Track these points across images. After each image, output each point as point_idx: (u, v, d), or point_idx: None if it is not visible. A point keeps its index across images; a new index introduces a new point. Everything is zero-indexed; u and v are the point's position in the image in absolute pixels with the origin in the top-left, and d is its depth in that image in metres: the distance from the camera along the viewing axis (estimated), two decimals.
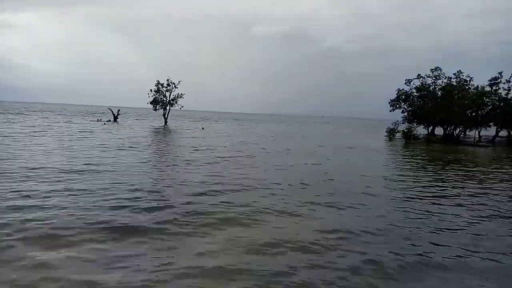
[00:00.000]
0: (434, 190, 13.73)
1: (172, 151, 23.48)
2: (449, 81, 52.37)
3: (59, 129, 34.76)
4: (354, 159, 23.50)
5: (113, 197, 10.15)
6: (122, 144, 24.44)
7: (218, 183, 12.80)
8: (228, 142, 31.17)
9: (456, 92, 49.35)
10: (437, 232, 8.62)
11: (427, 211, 10.40)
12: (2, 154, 16.81)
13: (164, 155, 21.27)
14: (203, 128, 50.13)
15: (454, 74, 52.19)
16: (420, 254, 7.13)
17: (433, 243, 7.79)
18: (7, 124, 37.55)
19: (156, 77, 55.59)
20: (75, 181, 11.89)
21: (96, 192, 10.59)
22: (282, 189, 12.47)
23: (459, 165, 22.36)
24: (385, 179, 15.79)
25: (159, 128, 46.82)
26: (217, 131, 48.14)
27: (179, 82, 56.79)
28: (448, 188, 14.31)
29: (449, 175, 17.98)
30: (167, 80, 56.25)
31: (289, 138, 40.07)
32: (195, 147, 24.58)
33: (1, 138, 23.59)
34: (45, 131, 31.88)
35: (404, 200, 11.76)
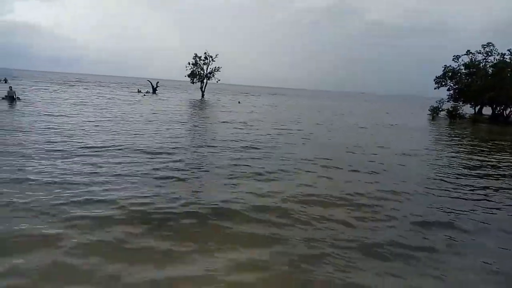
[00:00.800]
0: (487, 173, 13.07)
1: (206, 126, 23.67)
2: (502, 58, 48.60)
3: (100, 100, 36.13)
4: (392, 137, 22.72)
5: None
6: (156, 115, 25.14)
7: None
8: (267, 116, 30.92)
9: (509, 69, 45.92)
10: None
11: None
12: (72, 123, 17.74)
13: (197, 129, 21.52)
14: (239, 102, 50.22)
15: (508, 50, 48.27)
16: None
17: None
18: (52, 93, 39.47)
19: (195, 51, 55.06)
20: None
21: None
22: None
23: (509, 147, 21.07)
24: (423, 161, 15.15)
25: (195, 101, 47.41)
26: (255, 105, 48.03)
27: (216, 55, 56.71)
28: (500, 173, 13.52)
29: (499, 157, 16.98)
30: (205, 53, 56.34)
31: (336, 114, 39.28)
32: (228, 121, 24.67)
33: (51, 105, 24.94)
34: (86, 101, 33.20)
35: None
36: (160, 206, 7.27)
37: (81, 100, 32.99)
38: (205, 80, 57.75)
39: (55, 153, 11.10)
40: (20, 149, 11.25)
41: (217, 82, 58.71)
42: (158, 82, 59.85)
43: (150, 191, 8.14)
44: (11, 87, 29.90)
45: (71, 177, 8.69)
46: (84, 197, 7.39)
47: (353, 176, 11.21)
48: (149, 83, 59.37)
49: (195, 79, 57.28)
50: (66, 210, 6.67)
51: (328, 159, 13.39)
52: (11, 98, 26.80)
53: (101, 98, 38.96)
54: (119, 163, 10.49)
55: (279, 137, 18.45)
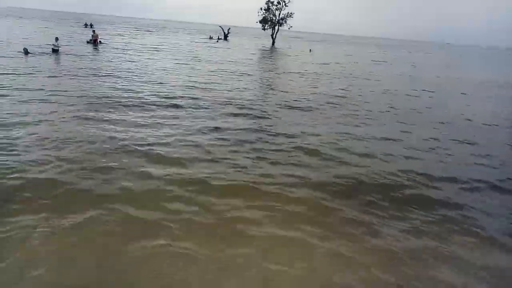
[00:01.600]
0: None
1: (274, 77, 23.25)
2: None
3: (173, 46, 37.08)
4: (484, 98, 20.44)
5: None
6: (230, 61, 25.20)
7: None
8: (346, 67, 29.51)
9: None
10: None
11: None
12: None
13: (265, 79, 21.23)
14: (310, 51, 48.24)
15: None
16: None
17: None
18: (130, 39, 41.34)
19: None
20: None
21: None
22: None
23: None
24: None
25: (265, 49, 46.60)
26: (327, 54, 45.93)
27: (289, 0, 54.46)
28: None
29: None
30: None
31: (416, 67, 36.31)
32: (300, 72, 23.96)
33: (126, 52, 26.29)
34: (159, 47, 34.27)
35: None
36: None
37: (154, 47, 34.17)
38: (276, 27, 56.19)
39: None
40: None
41: (289, 29, 56.94)
42: (229, 28, 59.52)
43: None
44: (94, 30, 31.82)
45: None
46: None
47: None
48: (221, 29, 59.28)
49: (266, 25, 56.01)
50: None
51: None
52: (95, 42, 28.66)
53: (174, 43, 40.01)
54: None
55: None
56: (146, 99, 11.60)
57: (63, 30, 43.90)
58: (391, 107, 13.84)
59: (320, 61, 33.39)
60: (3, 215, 4.69)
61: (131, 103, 10.94)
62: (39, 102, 10.12)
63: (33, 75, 13.95)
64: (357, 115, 12.07)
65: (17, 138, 7.24)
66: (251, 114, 11.02)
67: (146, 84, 14.15)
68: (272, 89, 16.10)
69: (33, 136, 7.41)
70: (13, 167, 5.93)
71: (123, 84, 13.76)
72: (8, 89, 11.33)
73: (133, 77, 15.55)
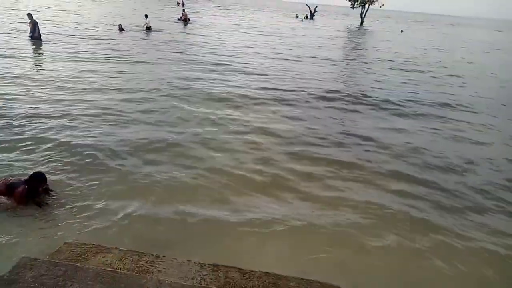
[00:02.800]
0: None
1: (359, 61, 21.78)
2: None
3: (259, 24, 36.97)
4: None
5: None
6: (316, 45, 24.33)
7: None
8: (439, 53, 26.46)
9: None
10: None
11: None
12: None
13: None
14: (402, 31, 44.39)
15: None
16: None
17: None
18: (218, 18, 42.17)
19: None
20: None
21: None
22: None
23: None
24: None
25: (353, 29, 44.16)
26: (422, 36, 41.86)
27: None
28: None
29: None
30: None
31: None
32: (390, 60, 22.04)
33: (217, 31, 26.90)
34: (241, 26, 34.41)
35: None
36: None
37: (237, 24, 34.40)
38: (366, 5, 52.86)
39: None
40: None
41: (380, 7, 53.24)
42: (316, 7, 57.59)
43: None
44: (184, 9, 33.04)
45: None
46: None
47: None
48: (307, 8, 57.58)
49: (356, 3, 53.00)
50: None
51: None
52: (185, 20, 29.85)
53: (261, 22, 39.89)
54: None
55: None
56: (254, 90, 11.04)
57: (155, 7, 46.40)
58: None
59: (413, 42, 30.47)
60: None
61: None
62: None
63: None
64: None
65: None
66: None
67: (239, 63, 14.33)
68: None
69: None
70: None
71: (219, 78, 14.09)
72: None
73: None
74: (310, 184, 5.55)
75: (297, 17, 55.06)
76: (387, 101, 10.73)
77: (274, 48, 20.23)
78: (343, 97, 10.77)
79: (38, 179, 4.36)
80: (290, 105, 9.64)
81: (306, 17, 54.47)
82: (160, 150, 6.27)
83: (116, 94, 9.26)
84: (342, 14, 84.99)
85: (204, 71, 12.75)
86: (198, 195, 5.01)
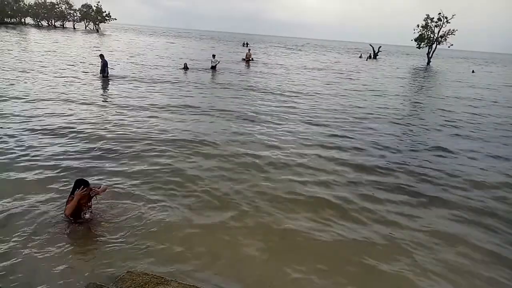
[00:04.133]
0: None
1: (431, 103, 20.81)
2: None
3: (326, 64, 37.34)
4: None
5: None
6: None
7: None
8: None
9: None
10: None
11: None
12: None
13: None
14: (473, 72, 42.03)
15: None
16: None
17: None
18: (281, 57, 43.38)
19: (423, 14, 49.63)
20: None
21: None
22: None
23: None
24: None
25: (420, 68, 42.79)
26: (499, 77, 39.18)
27: (452, 16, 49.18)
28: None
29: None
30: (439, 14, 49.63)
31: None
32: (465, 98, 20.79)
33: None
34: (309, 65, 34.90)
35: None
36: None
37: (305, 65, 35.02)
38: (434, 45, 51.35)
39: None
40: None
41: (449, 47, 51.39)
42: (380, 47, 57.14)
43: None
44: (249, 49, 34.59)
45: None
46: None
47: None
48: (371, 48, 57.32)
49: (422, 43, 51.76)
50: None
51: None
52: (247, 61, 31.18)
53: (326, 62, 40.31)
54: None
55: None
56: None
57: (223, 48, 49.04)
58: None
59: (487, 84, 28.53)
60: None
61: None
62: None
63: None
64: None
65: None
66: None
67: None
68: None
69: None
70: None
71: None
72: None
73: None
74: None
75: (360, 57, 54.90)
76: None
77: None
78: None
79: (75, 183, 4.57)
80: None
81: (370, 56, 54.05)
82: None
83: None
84: (400, 53, 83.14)
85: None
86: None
